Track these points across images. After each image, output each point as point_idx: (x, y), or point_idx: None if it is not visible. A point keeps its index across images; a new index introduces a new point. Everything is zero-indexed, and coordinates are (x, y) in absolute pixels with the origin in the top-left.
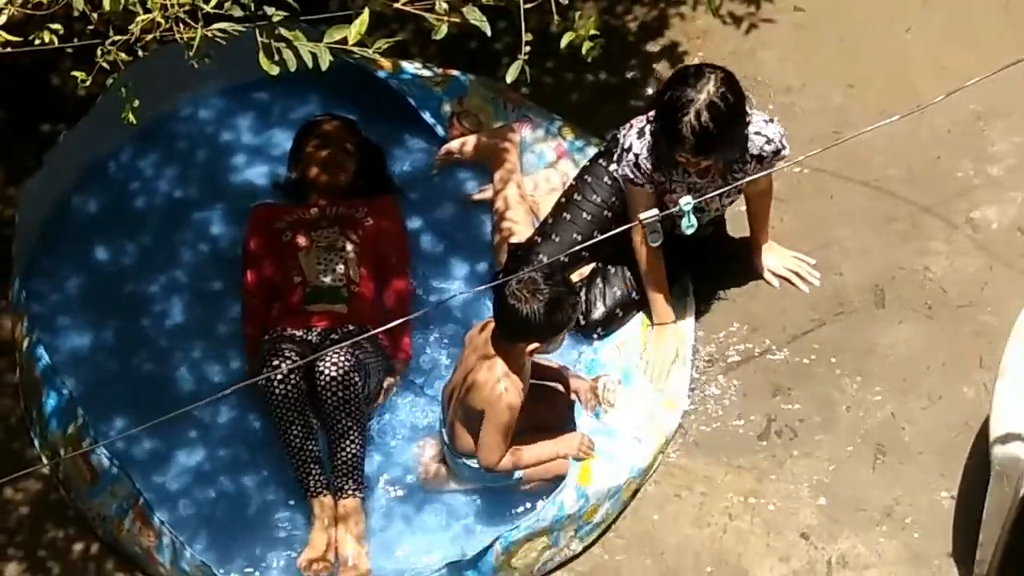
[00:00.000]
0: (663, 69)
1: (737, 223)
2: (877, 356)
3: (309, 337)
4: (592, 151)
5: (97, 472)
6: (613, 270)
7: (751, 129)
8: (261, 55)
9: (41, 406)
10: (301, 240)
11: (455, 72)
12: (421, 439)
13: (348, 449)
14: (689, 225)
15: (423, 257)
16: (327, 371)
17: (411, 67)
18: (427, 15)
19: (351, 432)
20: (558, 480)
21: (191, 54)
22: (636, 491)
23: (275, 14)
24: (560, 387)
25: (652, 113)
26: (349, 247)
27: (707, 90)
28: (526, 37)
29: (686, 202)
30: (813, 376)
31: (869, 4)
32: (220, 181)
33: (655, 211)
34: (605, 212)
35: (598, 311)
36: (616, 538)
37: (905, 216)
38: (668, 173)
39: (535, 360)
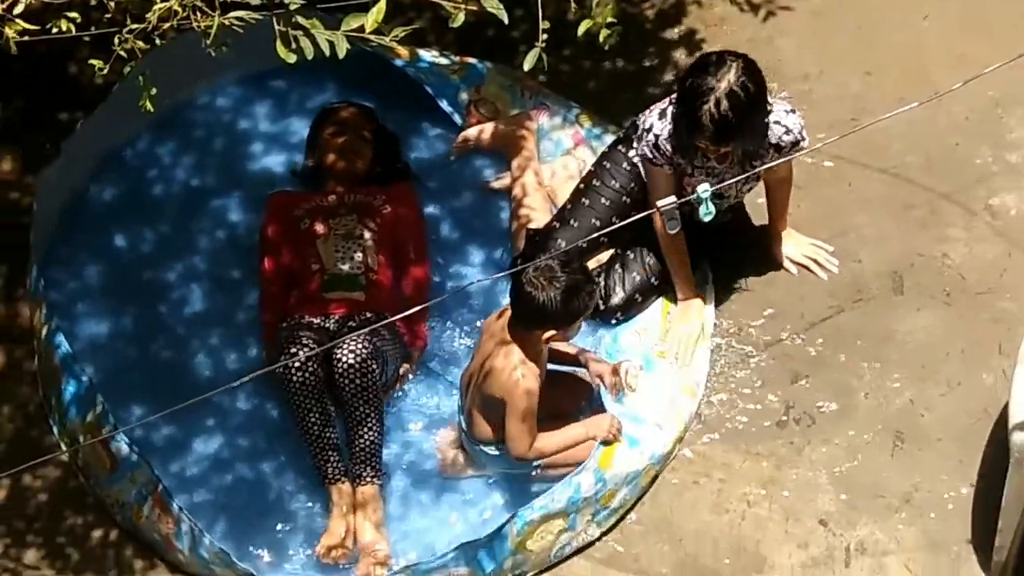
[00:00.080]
0: (680, 57)
1: (755, 210)
2: (895, 343)
3: (327, 325)
4: (609, 139)
5: (116, 459)
6: (632, 255)
7: (771, 118)
8: (278, 43)
9: (60, 394)
10: (319, 227)
11: (472, 60)
12: (439, 426)
13: (366, 436)
14: (707, 212)
15: (440, 245)
16: (345, 358)
17: (428, 55)
18: (444, 3)
19: (369, 419)
20: (579, 467)
21: (208, 42)
22: (655, 477)
23: (292, 2)
24: (579, 373)
25: (675, 95)
26: (367, 235)
27: (728, 79)
28: (543, 25)
29: (703, 189)
30: (831, 363)
31: None
32: (237, 169)
33: (672, 198)
34: (624, 198)
35: (617, 296)
36: (634, 524)
37: (923, 203)
38: (687, 157)
39: (552, 346)
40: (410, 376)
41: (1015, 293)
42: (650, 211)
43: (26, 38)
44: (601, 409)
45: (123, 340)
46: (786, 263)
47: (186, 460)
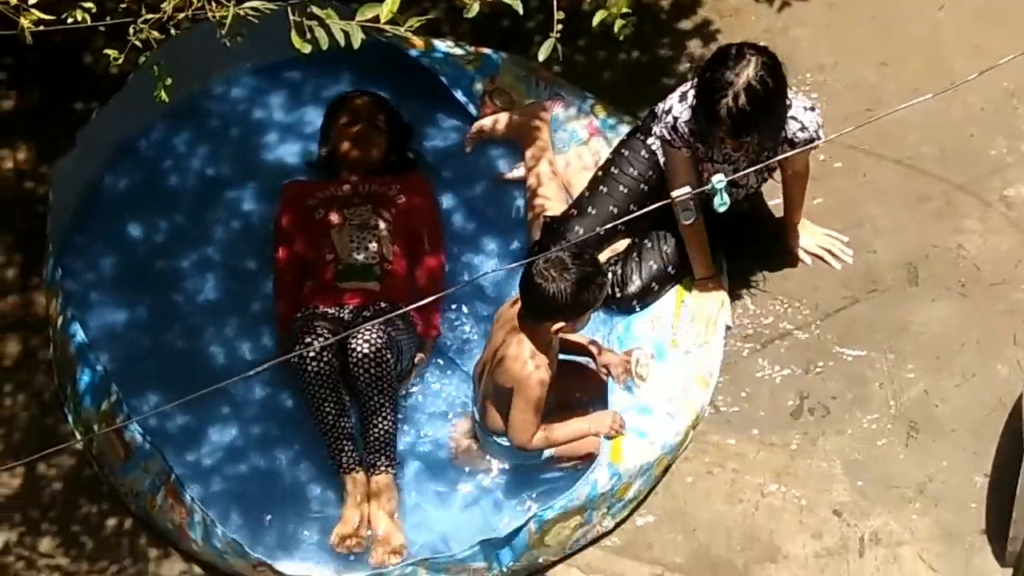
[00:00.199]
0: (696, 47)
1: (772, 203)
2: (910, 334)
3: (341, 314)
4: (624, 129)
5: (131, 448)
6: (649, 244)
7: (789, 113)
8: (293, 34)
9: (75, 382)
10: (334, 217)
11: (487, 50)
12: (453, 416)
13: (381, 426)
14: (722, 203)
15: (455, 235)
16: (360, 348)
17: (443, 45)
18: None
19: (383, 409)
20: (591, 458)
21: (223, 32)
22: (667, 467)
23: None
24: (590, 363)
25: (696, 80)
26: (382, 225)
27: (747, 73)
28: (558, 15)
29: (718, 180)
30: (846, 354)
31: None
32: (252, 159)
33: (687, 188)
34: (642, 185)
35: (634, 285)
36: (648, 514)
37: (938, 194)
38: (705, 142)
39: (563, 336)
40: (424, 366)
41: None
42: (667, 200)
43: (41, 28)
44: (607, 403)
45: (138, 329)
46: (801, 254)
47: (200, 449)
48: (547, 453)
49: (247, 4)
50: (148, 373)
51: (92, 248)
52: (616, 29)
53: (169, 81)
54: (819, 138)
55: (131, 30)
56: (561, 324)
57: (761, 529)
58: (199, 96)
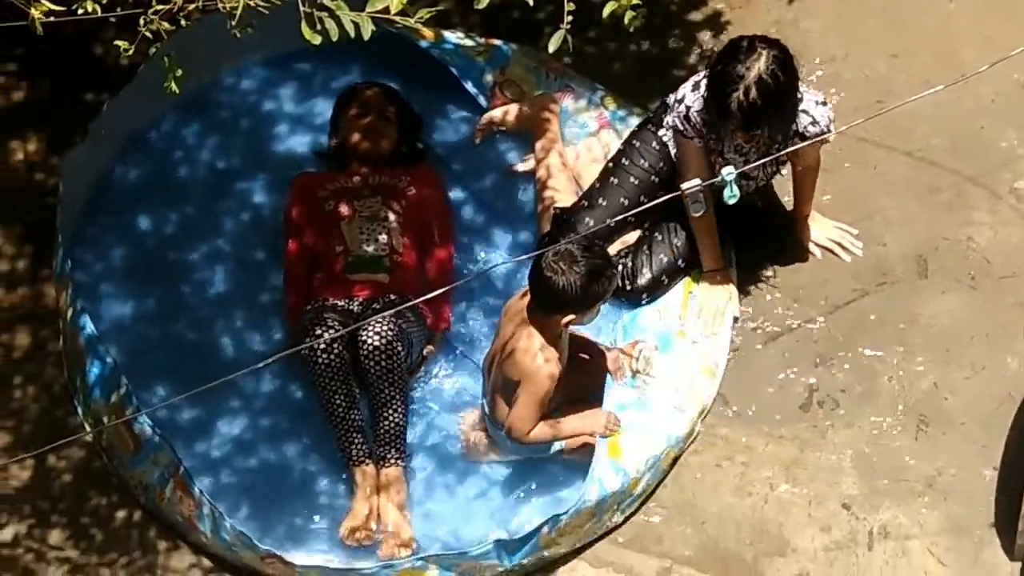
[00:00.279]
0: (706, 39)
1: (783, 197)
2: (920, 327)
3: (351, 307)
4: (634, 121)
5: (140, 440)
6: (660, 237)
7: (800, 107)
8: (303, 25)
9: (85, 374)
10: (344, 209)
11: (497, 42)
12: (463, 409)
13: (391, 418)
14: (731, 195)
15: (465, 227)
16: (371, 340)
17: (453, 37)
18: None
19: (394, 401)
20: (589, 446)
21: (233, 23)
22: (675, 460)
23: None
24: (596, 358)
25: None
26: (392, 217)
27: (758, 67)
28: (568, 7)
29: (728, 172)
30: (855, 346)
31: None
32: (262, 150)
33: (697, 181)
34: (653, 177)
35: (644, 277)
36: (657, 507)
37: (949, 186)
38: (716, 133)
39: (570, 331)
40: (434, 358)
41: None
42: (677, 193)
43: (52, 19)
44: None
45: (148, 321)
46: (810, 246)
47: (210, 442)
48: (556, 446)
49: None
50: (157, 365)
51: (102, 240)
52: (626, 20)
53: (179, 72)
54: (829, 132)
55: (141, 21)
56: (571, 317)
57: (770, 522)
58: (209, 87)
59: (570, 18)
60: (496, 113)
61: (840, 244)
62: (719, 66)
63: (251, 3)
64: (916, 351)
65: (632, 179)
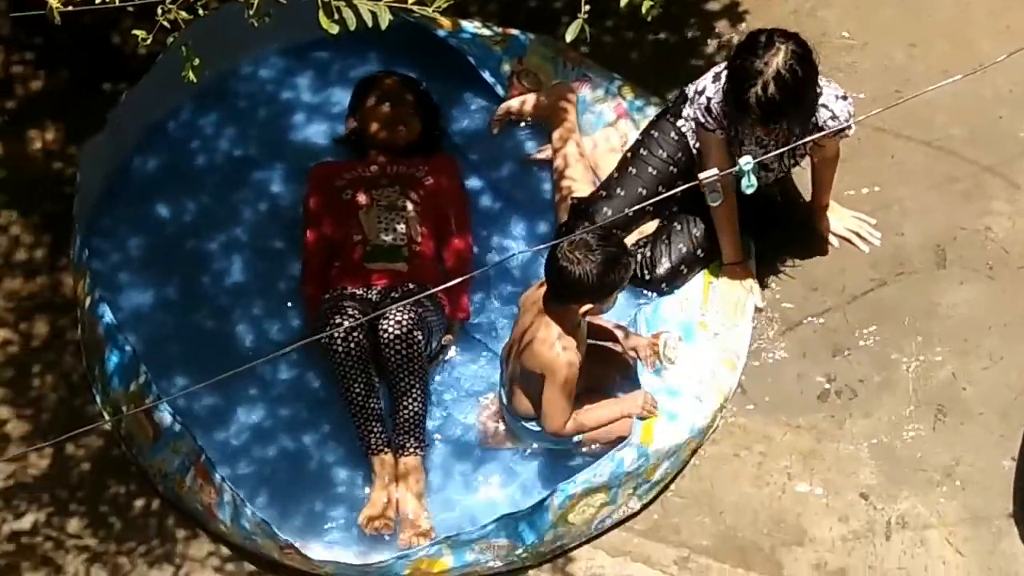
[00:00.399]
0: (724, 28)
1: (803, 188)
2: (938, 317)
3: (369, 295)
4: (652, 111)
5: (159, 429)
6: (679, 227)
7: (820, 101)
8: (321, 14)
9: (104, 363)
10: (362, 198)
11: (515, 31)
12: (481, 398)
13: (411, 407)
14: (749, 185)
15: (482, 216)
16: (391, 329)
17: (471, 26)
18: None
19: (413, 390)
20: (620, 442)
21: (251, 13)
22: (695, 450)
23: None
24: (616, 347)
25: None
26: (410, 206)
27: (775, 62)
28: None
29: (746, 162)
30: (873, 336)
31: None
32: (280, 140)
33: (714, 170)
34: (671, 168)
35: (663, 267)
36: (675, 497)
37: (967, 176)
38: (737, 124)
39: (589, 320)
40: (452, 347)
41: None
42: (695, 183)
43: (70, 8)
44: (638, 384)
45: (166, 310)
46: (828, 236)
47: (228, 430)
48: (576, 437)
49: None
50: (175, 354)
51: (120, 229)
52: (644, 10)
53: (197, 62)
54: (849, 127)
55: (159, 10)
56: (588, 306)
57: (788, 512)
58: (227, 77)
59: (587, 7)
60: (513, 103)
61: (858, 234)
62: (737, 61)
63: None
64: (934, 341)
65: (650, 169)
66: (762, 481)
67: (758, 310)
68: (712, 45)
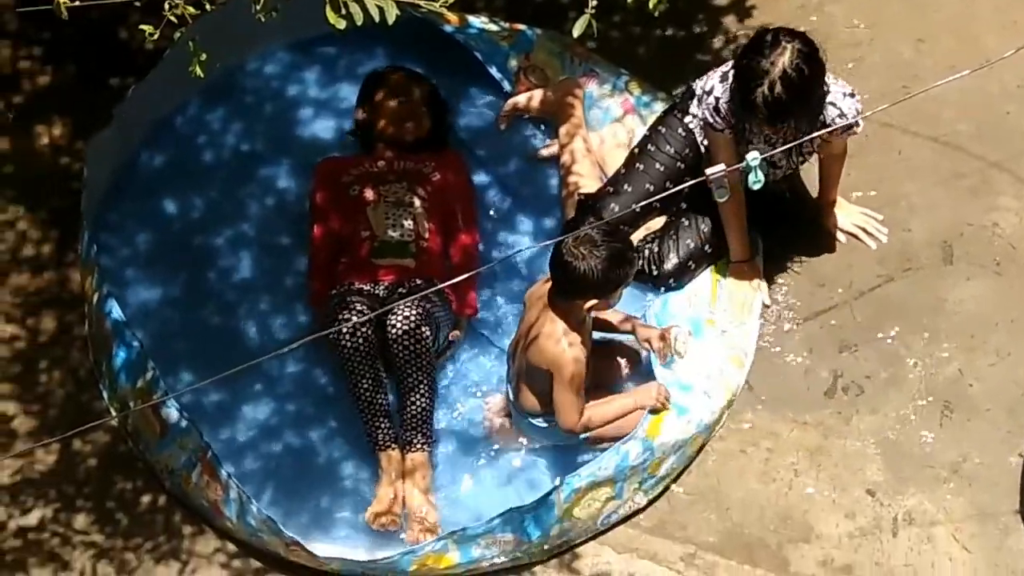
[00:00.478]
0: (731, 23)
1: (811, 185)
2: (945, 313)
3: (376, 291)
4: (659, 106)
5: (166, 425)
6: (687, 222)
7: (828, 99)
8: (328, 9)
9: (111, 359)
10: (369, 194)
11: (522, 26)
12: (488, 394)
13: (418, 403)
14: (756, 180)
15: (489, 212)
16: (399, 325)
17: (478, 21)
18: None
19: (421, 385)
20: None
21: (258, 8)
22: (702, 446)
23: None
24: (625, 341)
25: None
26: (417, 202)
27: (782, 62)
28: None
29: (752, 158)
30: (880, 332)
31: None
32: (287, 135)
33: (721, 166)
34: (678, 164)
35: (670, 262)
36: (681, 492)
37: (974, 172)
38: (745, 123)
39: (597, 315)
40: (459, 344)
41: None
42: (702, 179)
43: (77, 3)
44: (650, 377)
45: (173, 306)
46: (836, 232)
47: (235, 426)
48: (588, 433)
49: None
50: (182, 350)
51: (127, 224)
52: (651, 5)
53: (204, 57)
54: (858, 125)
55: (166, 5)
56: (593, 301)
57: (794, 508)
58: (234, 72)
59: (594, 2)
60: (520, 98)
61: (865, 230)
62: (743, 60)
63: None
64: (941, 337)
65: (658, 165)
66: (769, 478)
67: (765, 307)
68: (719, 41)
